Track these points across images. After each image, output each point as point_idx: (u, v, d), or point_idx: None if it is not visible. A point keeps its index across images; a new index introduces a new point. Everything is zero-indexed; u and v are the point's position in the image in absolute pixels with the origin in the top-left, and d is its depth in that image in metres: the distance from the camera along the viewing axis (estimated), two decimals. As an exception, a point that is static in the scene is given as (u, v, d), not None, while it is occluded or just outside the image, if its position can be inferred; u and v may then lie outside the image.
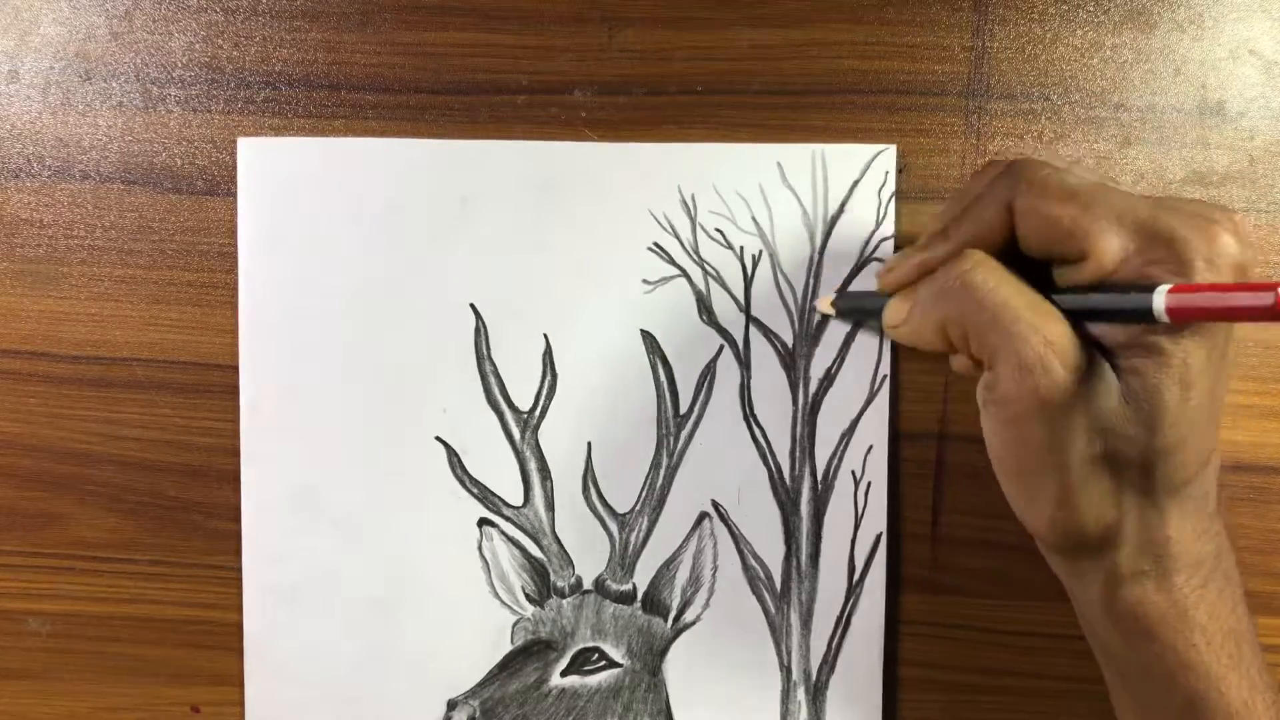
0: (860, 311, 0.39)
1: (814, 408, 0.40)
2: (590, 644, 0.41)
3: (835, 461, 0.40)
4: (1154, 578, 0.31)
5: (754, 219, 0.40)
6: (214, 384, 0.41)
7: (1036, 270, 0.32)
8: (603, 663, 0.41)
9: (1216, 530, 0.32)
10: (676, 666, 0.41)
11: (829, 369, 0.40)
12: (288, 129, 0.41)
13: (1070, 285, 0.31)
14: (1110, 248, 0.29)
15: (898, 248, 0.39)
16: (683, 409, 0.41)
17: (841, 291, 0.40)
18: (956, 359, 0.36)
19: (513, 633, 0.41)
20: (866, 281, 0.40)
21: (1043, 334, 0.30)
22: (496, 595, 0.41)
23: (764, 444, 0.40)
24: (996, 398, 0.31)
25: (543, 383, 0.41)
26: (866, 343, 0.40)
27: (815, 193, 0.40)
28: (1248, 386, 0.40)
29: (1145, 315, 0.28)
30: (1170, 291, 0.28)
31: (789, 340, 0.40)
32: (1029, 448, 0.31)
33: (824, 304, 0.39)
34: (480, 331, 0.41)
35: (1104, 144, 0.40)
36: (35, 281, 0.42)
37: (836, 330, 0.40)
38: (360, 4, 0.40)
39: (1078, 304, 0.31)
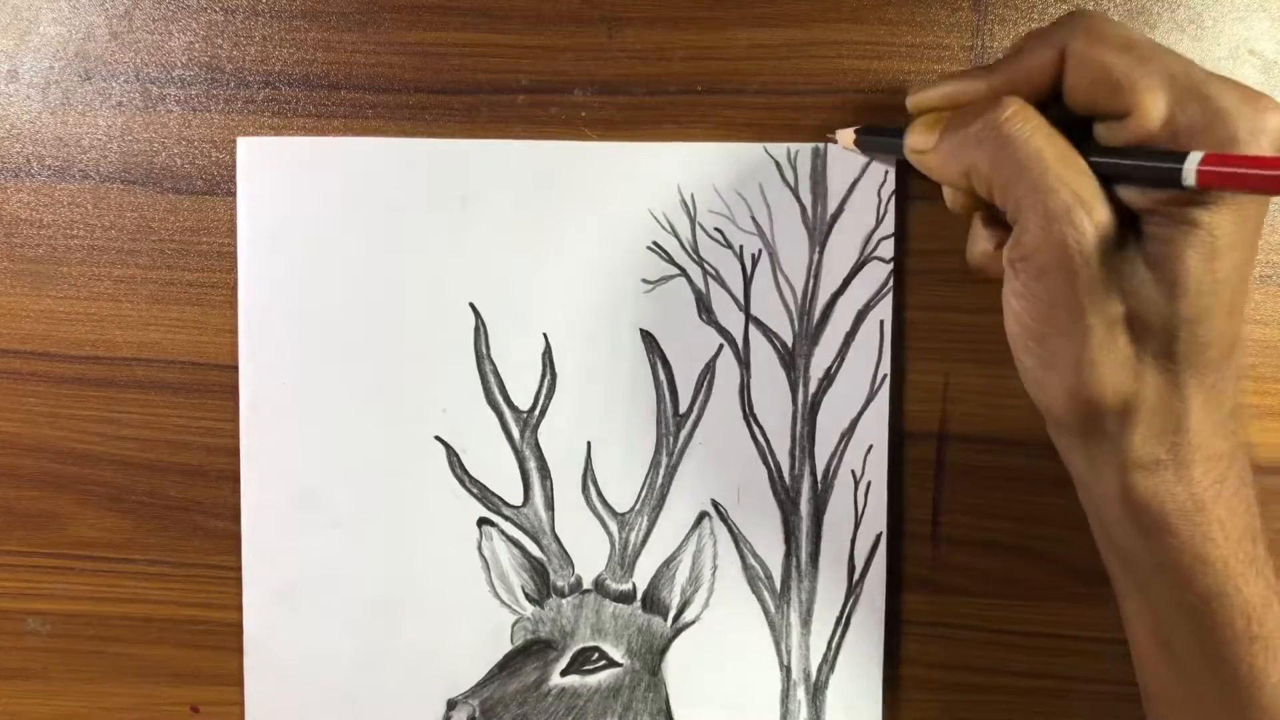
0: (882, 147, 0.38)
1: (814, 407, 0.40)
2: (590, 643, 0.41)
3: (835, 461, 0.40)
4: (1172, 468, 0.31)
5: (754, 218, 0.40)
6: (214, 384, 0.41)
7: (1072, 131, 0.31)
8: (602, 662, 0.41)
9: (1234, 429, 0.32)
10: (676, 666, 0.41)
11: (829, 368, 0.40)
12: (287, 129, 0.41)
13: (1106, 146, 0.31)
14: (1156, 106, 0.29)
15: (898, 247, 0.40)
16: (682, 408, 0.41)
17: (864, 128, 0.38)
18: (973, 249, 0.36)
19: (512, 632, 0.41)
20: (870, 280, 0.40)
21: (1071, 186, 0.30)
22: (496, 595, 0.41)
23: (764, 443, 0.40)
24: (1023, 251, 0.31)
25: (542, 382, 0.41)
26: (867, 342, 0.40)
27: (815, 192, 0.40)
28: (1248, 386, 0.40)
29: (1174, 179, 0.28)
30: (1205, 158, 0.28)
31: (789, 340, 0.40)
32: (1053, 305, 0.31)
33: (845, 137, 0.38)
34: (480, 331, 0.41)
35: (1104, 144, 0.40)
36: (35, 281, 0.42)
37: (836, 330, 0.40)
38: (360, 4, 0.40)
39: (1108, 164, 0.30)
